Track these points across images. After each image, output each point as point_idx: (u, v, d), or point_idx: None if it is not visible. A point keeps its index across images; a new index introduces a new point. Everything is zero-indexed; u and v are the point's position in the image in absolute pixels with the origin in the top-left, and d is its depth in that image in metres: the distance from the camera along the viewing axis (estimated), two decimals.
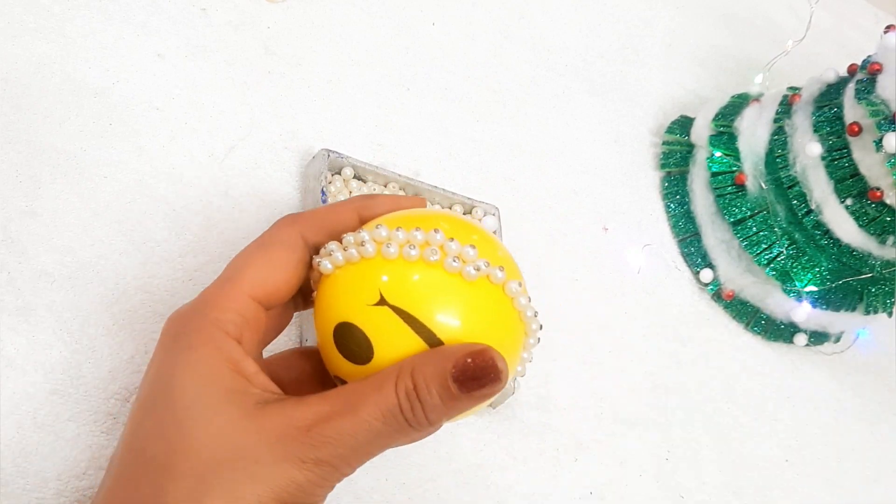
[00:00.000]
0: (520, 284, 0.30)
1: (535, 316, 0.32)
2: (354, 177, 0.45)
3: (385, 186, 0.45)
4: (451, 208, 0.47)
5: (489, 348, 0.29)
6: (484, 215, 0.47)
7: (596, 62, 0.64)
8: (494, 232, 0.48)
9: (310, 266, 0.32)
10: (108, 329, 0.38)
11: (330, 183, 0.44)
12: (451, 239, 0.30)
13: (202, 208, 0.43)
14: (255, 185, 0.45)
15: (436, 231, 0.30)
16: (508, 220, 0.51)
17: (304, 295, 0.35)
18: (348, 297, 0.30)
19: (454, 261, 0.29)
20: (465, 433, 0.44)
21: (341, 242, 0.31)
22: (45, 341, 0.36)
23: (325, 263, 0.31)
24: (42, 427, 0.35)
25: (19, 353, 0.35)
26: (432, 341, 0.29)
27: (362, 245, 0.30)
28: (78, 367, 0.36)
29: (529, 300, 0.31)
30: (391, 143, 0.50)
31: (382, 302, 0.29)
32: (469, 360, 0.28)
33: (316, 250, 0.32)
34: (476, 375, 0.28)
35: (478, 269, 0.29)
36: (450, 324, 0.29)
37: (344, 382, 0.31)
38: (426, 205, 0.35)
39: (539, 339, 0.32)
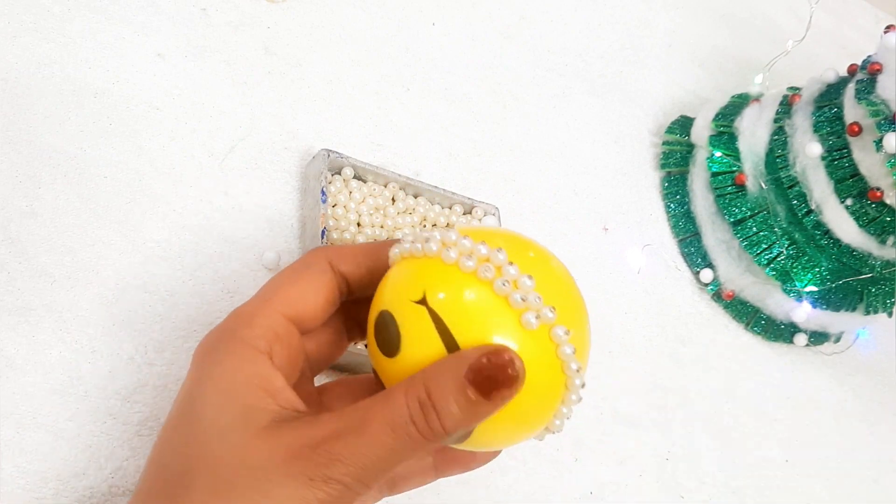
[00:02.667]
0: (567, 332, 0.29)
1: (578, 371, 0.30)
2: (354, 177, 0.45)
3: (385, 186, 0.45)
4: (450, 208, 0.47)
5: (504, 346, 0.28)
6: (484, 215, 0.47)
7: (596, 62, 0.64)
8: None
9: (345, 290, 0.33)
10: (107, 329, 0.38)
11: (330, 183, 0.44)
12: (512, 263, 0.29)
13: (202, 208, 0.43)
14: (255, 185, 0.45)
15: (499, 250, 0.29)
16: (508, 220, 0.51)
17: (362, 327, 0.35)
18: (397, 288, 0.30)
19: (504, 284, 0.29)
20: None
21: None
22: (45, 341, 0.36)
23: (393, 251, 0.32)
24: (42, 427, 0.35)
25: (19, 353, 0.35)
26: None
27: (427, 242, 0.30)
28: (78, 367, 0.36)
29: (574, 351, 0.29)
30: (391, 143, 0.50)
31: (423, 301, 0.29)
32: (485, 360, 0.27)
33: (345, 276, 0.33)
34: (493, 375, 0.27)
35: (524, 300, 0.29)
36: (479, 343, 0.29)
37: (379, 379, 0.31)
38: None
39: (581, 398, 0.31)
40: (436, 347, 0.29)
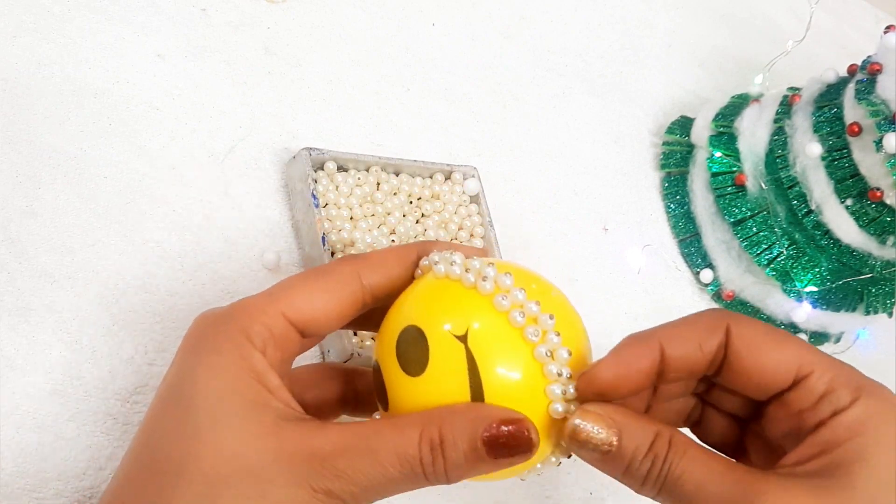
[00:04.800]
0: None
1: (567, 453, 0.31)
2: (338, 169, 0.45)
3: (367, 171, 0.45)
4: (431, 178, 0.47)
5: (526, 419, 0.28)
6: (464, 178, 0.48)
7: (596, 62, 0.63)
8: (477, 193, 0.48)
9: (370, 301, 0.32)
10: (107, 329, 0.38)
11: (316, 182, 0.44)
12: (558, 334, 0.30)
13: (202, 208, 0.43)
14: (255, 185, 0.45)
15: (551, 317, 0.30)
16: (508, 220, 0.51)
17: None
18: (439, 311, 0.30)
19: (547, 354, 0.29)
20: None
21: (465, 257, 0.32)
22: (45, 341, 0.36)
23: (439, 267, 0.31)
24: (42, 427, 0.35)
25: (19, 353, 0.35)
26: (476, 401, 0.29)
27: (484, 279, 0.30)
28: (78, 367, 0.36)
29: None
30: (391, 143, 0.50)
31: (464, 339, 0.29)
32: (507, 429, 0.28)
33: (374, 290, 0.32)
34: (508, 444, 0.28)
35: (559, 375, 0.29)
36: (502, 401, 0.29)
37: (380, 380, 0.31)
38: (488, 254, 0.35)
39: (560, 463, 0.32)
40: (461, 387, 0.29)
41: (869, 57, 0.52)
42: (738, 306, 0.58)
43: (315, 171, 0.44)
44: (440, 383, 0.29)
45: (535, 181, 0.55)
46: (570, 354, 0.30)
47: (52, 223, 0.39)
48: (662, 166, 0.61)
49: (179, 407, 0.28)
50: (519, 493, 0.44)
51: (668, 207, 0.60)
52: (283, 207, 0.45)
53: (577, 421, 0.29)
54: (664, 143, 0.62)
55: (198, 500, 0.27)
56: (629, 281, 0.55)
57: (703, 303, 0.58)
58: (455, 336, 0.29)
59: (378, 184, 0.45)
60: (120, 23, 0.45)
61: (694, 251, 0.58)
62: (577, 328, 0.32)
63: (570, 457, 0.32)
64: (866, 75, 0.51)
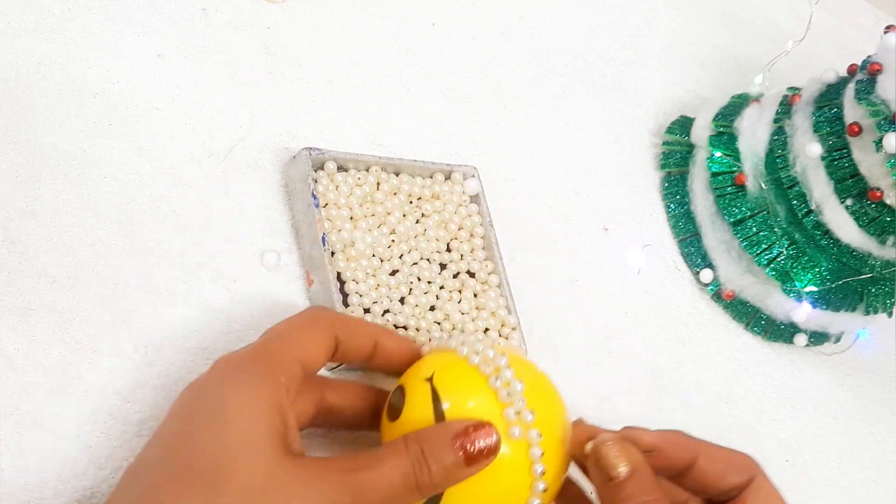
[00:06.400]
0: (539, 435, 0.34)
1: (544, 492, 0.34)
2: (338, 169, 0.45)
3: (367, 171, 0.45)
4: (431, 178, 0.47)
5: (489, 423, 0.34)
6: (464, 178, 0.48)
7: (596, 62, 0.64)
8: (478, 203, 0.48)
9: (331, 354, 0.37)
10: (107, 329, 0.38)
11: (316, 182, 0.44)
12: (509, 367, 0.35)
13: (202, 208, 0.43)
14: (255, 185, 0.45)
15: (502, 355, 0.35)
16: (508, 221, 0.51)
17: (329, 415, 0.39)
18: (417, 369, 0.37)
19: (496, 380, 0.35)
20: None
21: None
22: (45, 341, 0.36)
23: (439, 341, 0.39)
24: (42, 427, 0.35)
25: (19, 353, 0.35)
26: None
27: (462, 344, 0.37)
28: (77, 367, 0.36)
29: (543, 473, 0.34)
30: (391, 143, 0.50)
31: (430, 379, 0.35)
32: (471, 428, 0.34)
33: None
34: (475, 441, 0.33)
35: (510, 395, 0.34)
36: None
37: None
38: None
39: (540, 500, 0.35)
40: (426, 419, 0.35)
41: (869, 57, 0.52)
42: (738, 306, 0.58)
43: (315, 171, 0.44)
44: (410, 419, 0.35)
45: (535, 181, 0.55)
46: (523, 384, 0.35)
47: (52, 223, 0.39)
48: (662, 166, 0.61)
49: (212, 425, 0.31)
50: None
51: (668, 207, 0.60)
52: (283, 207, 0.45)
53: (608, 443, 0.34)
54: (664, 143, 0.62)
55: None
56: (629, 281, 0.55)
57: (703, 303, 0.58)
58: (424, 379, 0.35)
59: (378, 184, 0.45)
60: (120, 23, 0.45)
61: (694, 251, 0.58)
62: (541, 386, 0.37)
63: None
64: (866, 75, 0.51)
